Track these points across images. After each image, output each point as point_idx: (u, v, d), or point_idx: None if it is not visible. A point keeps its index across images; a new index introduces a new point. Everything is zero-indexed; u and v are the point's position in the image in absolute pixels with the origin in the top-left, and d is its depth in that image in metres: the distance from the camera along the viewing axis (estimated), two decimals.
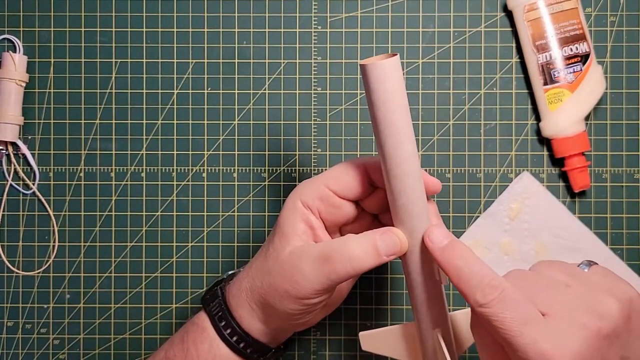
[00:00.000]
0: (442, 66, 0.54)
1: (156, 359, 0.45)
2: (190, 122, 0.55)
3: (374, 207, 0.43)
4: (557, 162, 0.54)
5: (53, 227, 0.55)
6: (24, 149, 0.54)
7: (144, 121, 0.55)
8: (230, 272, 0.48)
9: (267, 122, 0.55)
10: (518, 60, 0.54)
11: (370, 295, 0.54)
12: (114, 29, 0.55)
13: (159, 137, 0.55)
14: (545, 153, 0.54)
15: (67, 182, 0.55)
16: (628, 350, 0.35)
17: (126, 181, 0.54)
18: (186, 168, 0.54)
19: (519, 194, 0.54)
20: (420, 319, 0.42)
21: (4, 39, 0.55)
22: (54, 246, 0.55)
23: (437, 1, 0.54)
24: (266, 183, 0.54)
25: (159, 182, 0.55)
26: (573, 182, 0.53)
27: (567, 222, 0.54)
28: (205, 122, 0.55)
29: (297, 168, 0.55)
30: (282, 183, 0.55)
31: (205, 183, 0.54)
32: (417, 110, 0.54)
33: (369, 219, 0.44)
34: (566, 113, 0.52)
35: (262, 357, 0.45)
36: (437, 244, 0.38)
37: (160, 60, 0.55)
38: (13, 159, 0.54)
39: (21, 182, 0.55)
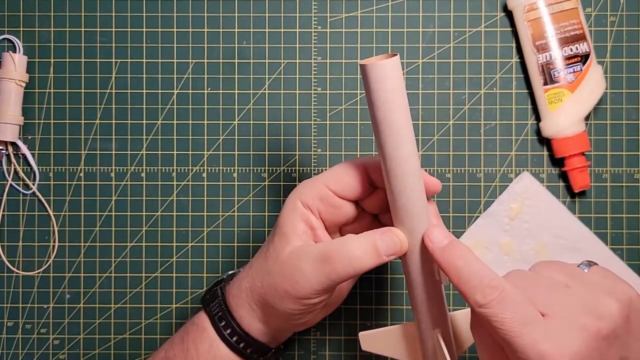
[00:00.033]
0: (442, 66, 0.54)
1: (156, 359, 0.46)
2: (190, 122, 0.55)
3: (374, 207, 0.43)
4: (557, 162, 0.54)
5: (53, 227, 0.55)
6: (24, 149, 0.54)
7: (144, 121, 0.55)
8: (230, 272, 0.48)
9: (267, 122, 0.55)
10: (518, 60, 0.54)
11: (370, 295, 0.54)
12: (114, 29, 0.55)
13: (159, 137, 0.55)
14: (545, 153, 0.54)
15: (67, 182, 0.55)
16: (628, 351, 0.35)
17: (126, 181, 0.55)
18: (186, 168, 0.54)
19: (519, 194, 0.54)
20: (420, 319, 0.42)
21: (4, 39, 0.55)
22: (54, 246, 0.55)
23: (437, 1, 0.54)
24: (266, 183, 0.54)
25: (159, 182, 0.55)
26: (573, 182, 0.53)
27: (567, 222, 0.54)
28: (205, 122, 0.55)
29: (297, 168, 0.55)
30: (282, 183, 0.55)
31: (205, 183, 0.54)
32: (417, 110, 0.54)
33: (369, 219, 0.44)
34: (566, 113, 0.52)
35: (262, 357, 0.45)
36: (437, 244, 0.38)
37: (160, 60, 0.55)
38: (13, 159, 0.54)
39: (21, 182, 0.55)
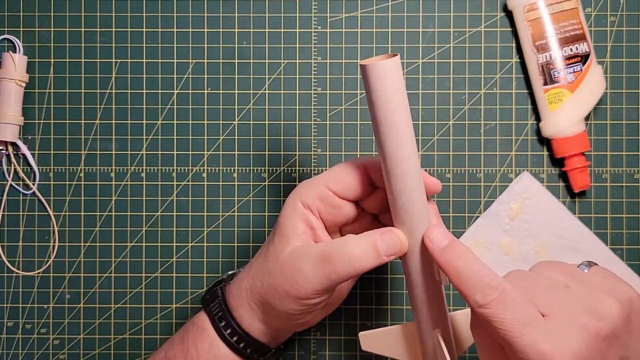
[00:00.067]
0: (442, 66, 0.54)
1: (156, 359, 0.46)
2: (190, 122, 0.55)
3: (374, 207, 0.43)
4: (557, 162, 0.54)
5: (53, 227, 0.55)
6: (24, 149, 0.54)
7: (144, 121, 0.55)
8: (230, 272, 0.48)
9: (267, 122, 0.55)
10: (518, 60, 0.54)
11: (370, 295, 0.54)
12: (114, 29, 0.55)
13: (159, 137, 0.55)
14: (545, 153, 0.54)
15: (67, 182, 0.55)
16: (628, 351, 0.35)
17: (126, 181, 0.54)
18: (186, 168, 0.54)
19: (519, 194, 0.54)
20: (420, 319, 0.42)
21: (4, 39, 0.54)
22: (54, 246, 0.55)
23: (437, 1, 0.54)
24: (266, 183, 0.54)
25: (159, 182, 0.55)
26: (573, 182, 0.53)
27: (567, 222, 0.54)
28: (205, 122, 0.55)
29: (297, 168, 0.55)
30: (282, 183, 0.55)
31: (205, 183, 0.54)
32: (417, 110, 0.54)
33: (369, 219, 0.44)
34: (566, 113, 0.52)
35: (262, 357, 0.45)
36: (437, 244, 0.38)
37: (160, 61, 0.55)
38: (13, 159, 0.54)
39: (21, 182, 0.55)
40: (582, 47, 0.52)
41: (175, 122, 0.55)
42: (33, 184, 0.54)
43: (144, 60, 0.55)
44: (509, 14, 0.54)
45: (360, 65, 0.37)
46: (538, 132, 0.54)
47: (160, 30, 0.55)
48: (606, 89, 0.54)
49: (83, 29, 0.55)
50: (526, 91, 0.54)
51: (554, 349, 0.32)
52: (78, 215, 0.55)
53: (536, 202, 0.54)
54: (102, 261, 0.54)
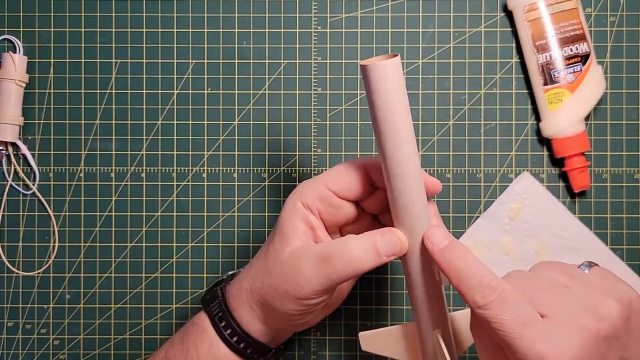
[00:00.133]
0: (442, 66, 0.54)
1: (156, 359, 0.46)
2: (190, 122, 0.55)
3: (374, 207, 0.43)
4: (557, 162, 0.54)
5: (53, 227, 0.55)
6: (24, 149, 0.54)
7: (144, 121, 0.55)
8: (230, 273, 0.48)
9: (267, 122, 0.55)
10: (518, 60, 0.54)
11: (370, 295, 0.54)
12: (114, 30, 0.55)
13: (159, 137, 0.55)
14: (545, 153, 0.54)
15: (67, 183, 0.55)
16: (627, 352, 0.35)
17: (126, 181, 0.55)
18: (186, 168, 0.54)
19: (519, 194, 0.54)
20: (420, 319, 0.42)
21: (4, 39, 0.54)
22: (54, 246, 0.55)
23: (437, 1, 0.54)
24: (266, 183, 0.55)
25: (159, 183, 0.55)
26: (573, 182, 0.53)
27: (567, 222, 0.54)
28: (205, 122, 0.55)
29: (297, 168, 0.55)
30: (282, 183, 0.55)
31: (205, 183, 0.54)
32: (417, 110, 0.54)
33: (369, 220, 0.44)
34: (566, 113, 0.52)
35: (262, 358, 0.45)
36: (436, 245, 0.38)
37: (160, 61, 0.55)
38: (13, 160, 0.54)
39: (21, 183, 0.55)
40: (582, 47, 0.52)
41: (175, 122, 0.55)
42: (33, 184, 0.54)
43: (144, 61, 0.55)
44: (509, 14, 0.54)
45: (360, 65, 0.37)
46: (538, 132, 0.54)
47: (160, 30, 0.55)
48: (606, 89, 0.54)
49: (83, 29, 0.55)
50: (526, 91, 0.54)
51: (553, 350, 0.32)
52: (78, 215, 0.55)
53: (536, 202, 0.54)
54: (102, 261, 0.54)
